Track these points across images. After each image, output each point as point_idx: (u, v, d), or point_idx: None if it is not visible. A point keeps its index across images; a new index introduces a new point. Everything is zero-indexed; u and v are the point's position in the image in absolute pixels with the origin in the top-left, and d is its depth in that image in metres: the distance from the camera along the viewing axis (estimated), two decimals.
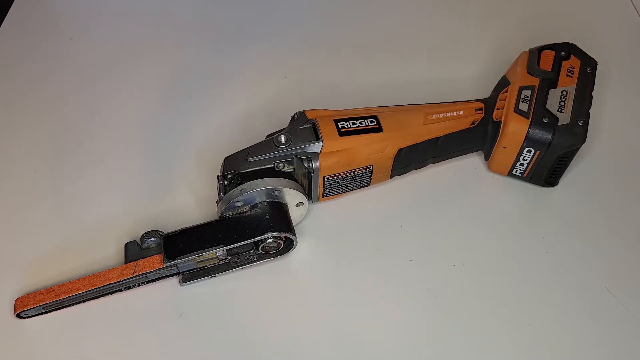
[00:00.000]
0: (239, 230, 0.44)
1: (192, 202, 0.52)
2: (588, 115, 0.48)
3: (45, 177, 0.54)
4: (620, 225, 0.50)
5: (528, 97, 0.49)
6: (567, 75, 0.50)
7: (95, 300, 0.45)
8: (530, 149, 0.48)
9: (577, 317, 0.45)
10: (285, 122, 0.49)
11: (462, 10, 0.69)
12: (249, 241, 0.44)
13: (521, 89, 0.49)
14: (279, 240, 0.45)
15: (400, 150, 0.48)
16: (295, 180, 0.47)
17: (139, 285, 0.46)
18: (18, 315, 0.44)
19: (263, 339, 0.44)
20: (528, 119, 0.47)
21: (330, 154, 0.46)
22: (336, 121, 0.47)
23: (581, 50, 0.52)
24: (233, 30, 0.67)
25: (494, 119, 0.50)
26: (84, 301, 0.45)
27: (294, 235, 0.46)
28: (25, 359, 0.43)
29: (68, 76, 0.62)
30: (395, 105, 0.51)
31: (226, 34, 0.67)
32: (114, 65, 0.63)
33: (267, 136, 0.48)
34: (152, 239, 0.45)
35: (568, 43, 0.53)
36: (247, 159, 0.46)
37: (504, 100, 0.50)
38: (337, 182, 0.48)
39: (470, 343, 0.44)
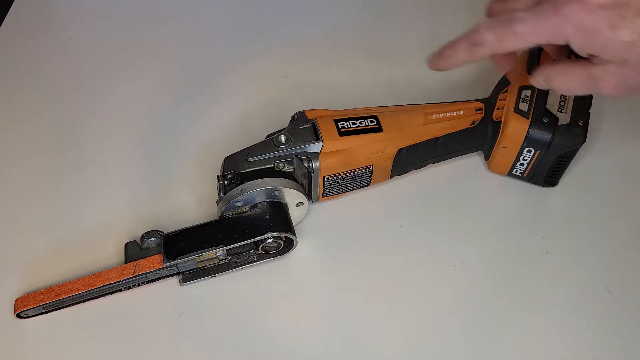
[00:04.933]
0: (239, 230, 0.44)
1: (192, 202, 0.52)
2: (588, 115, 0.48)
3: (45, 177, 0.54)
4: (620, 225, 0.50)
5: (528, 97, 0.49)
6: None
7: (95, 300, 0.45)
8: (530, 149, 0.48)
9: (577, 317, 0.45)
10: (285, 122, 0.49)
11: (462, 10, 0.69)
12: (249, 241, 0.44)
13: (521, 88, 0.49)
14: (279, 240, 0.45)
15: (400, 150, 0.48)
16: (295, 180, 0.47)
17: (139, 285, 0.46)
18: (18, 315, 0.44)
19: (263, 339, 0.44)
20: (528, 119, 0.47)
21: (330, 154, 0.46)
22: (336, 121, 0.47)
23: None
24: (233, 30, 0.67)
25: (494, 119, 0.50)
26: (84, 301, 0.45)
27: (294, 235, 0.46)
28: (25, 359, 0.43)
29: (68, 76, 0.62)
30: (395, 105, 0.51)
31: (226, 34, 0.67)
32: (113, 65, 0.63)
33: (267, 136, 0.48)
34: (152, 239, 0.45)
35: None
36: (247, 159, 0.46)
37: (504, 100, 0.50)
38: (337, 182, 0.48)
39: (470, 343, 0.44)
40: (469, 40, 0.39)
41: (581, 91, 0.39)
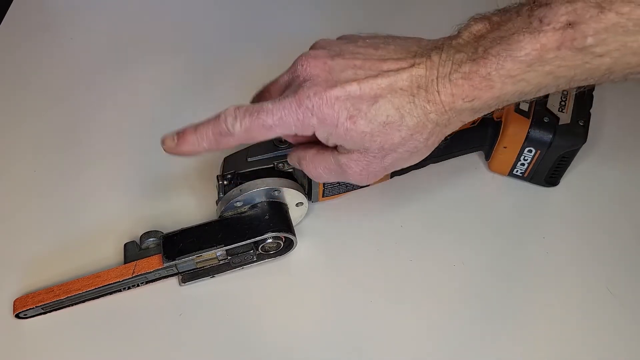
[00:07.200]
0: (239, 230, 0.44)
1: (192, 202, 0.52)
2: (589, 114, 0.48)
3: (44, 177, 0.54)
4: (621, 225, 0.50)
5: None
6: None
7: (95, 300, 0.45)
8: (531, 148, 0.48)
9: (578, 317, 0.45)
10: None
11: (463, 9, 0.69)
12: (248, 241, 0.44)
13: None
14: (279, 240, 0.45)
15: None
16: (295, 180, 0.47)
17: (138, 285, 0.46)
18: (17, 316, 0.44)
19: (263, 339, 0.44)
20: (529, 118, 0.47)
21: None
22: None
23: None
24: (233, 30, 0.67)
25: (495, 119, 0.50)
26: (83, 301, 0.45)
27: (294, 235, 0.46)
28: (25, 359, 0.43)
29: (68, 76, 0.62)
30: None
31: (226, 33, 0.67)
32: (114, 65, 0.63)
33: None
34: (151, 239, 0.45)
35: None
36: (246, 159, 0.46)
37: None
38: (337, 182, 0.48)
39: (470, 343, 0.44)
40: (216, 128, 0.36)
41: (331, 178, 0.40)
